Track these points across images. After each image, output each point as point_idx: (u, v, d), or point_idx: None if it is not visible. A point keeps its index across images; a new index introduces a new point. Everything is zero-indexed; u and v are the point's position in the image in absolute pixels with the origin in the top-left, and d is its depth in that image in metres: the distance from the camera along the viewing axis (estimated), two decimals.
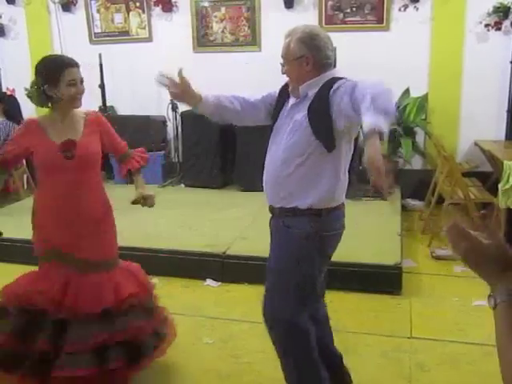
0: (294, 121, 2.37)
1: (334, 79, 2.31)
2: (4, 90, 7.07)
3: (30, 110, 6.94)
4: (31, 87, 2.70)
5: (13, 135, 2.85)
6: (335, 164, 2.36)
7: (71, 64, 2.68)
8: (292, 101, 2.46)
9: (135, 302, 2.84)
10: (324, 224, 2.40)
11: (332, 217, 2.43)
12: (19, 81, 7.32)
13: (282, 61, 2.43)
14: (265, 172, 2.54)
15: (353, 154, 2.46)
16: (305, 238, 2.40)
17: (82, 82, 2.72)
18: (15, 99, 6.71)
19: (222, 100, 2.65)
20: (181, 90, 2.59)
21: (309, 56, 2.32)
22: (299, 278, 2.45)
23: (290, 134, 2.39)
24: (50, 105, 2.73)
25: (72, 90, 2.65)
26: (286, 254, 2.47)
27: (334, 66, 2.43)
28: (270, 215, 2.57)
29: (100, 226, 2.85)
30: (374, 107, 1.94)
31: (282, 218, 2.47)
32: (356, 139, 2.46)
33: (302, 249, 2.42)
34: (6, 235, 4.96)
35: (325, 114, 2.26)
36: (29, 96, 2.74)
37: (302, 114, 2.35)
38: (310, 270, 2.45)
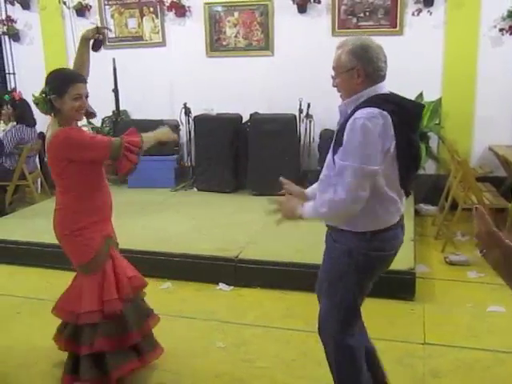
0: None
1: (368, 101, 2.27)
2: (17, 93, 7.11)
3: (39, 113, 7.03)
4: (40, 94, 2.82)
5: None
6: (375, 189, 2.29)
7: (79, 80, 2.84)
8: (339, 119, 2.43)
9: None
10: (370, 243, 2.36)
11: (380, 238, 2.37)
12: (33, 85, 7.40)
13: (332, 73, 2.39)
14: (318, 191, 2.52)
15: None
16: (347, 255, 2.38)
17: (86, 96, 2.85)
18: (26, 102, 6.76)
19: None
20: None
21: (359, 68, 2.28)
22: (341, 294, 2.43)
23: (327, 158, 2.39)
24: (52, 114, 2.87)
25: (76, 103, 2.78)
26: (333, 268, 2.47)
27: None
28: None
29: None
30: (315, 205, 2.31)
31: (331, 231, 2.48)
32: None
33: (345, 265, 2.39)
34: (21, 239, 4.97)
35: (338, 144, 2.28)
36: (35, 102, 2.88)
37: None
38: (350, 286, 2.43)
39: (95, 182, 2.93)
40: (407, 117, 2.31)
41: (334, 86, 2.41)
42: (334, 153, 2.30)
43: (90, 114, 3.18)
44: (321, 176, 2.46)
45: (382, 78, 2.35)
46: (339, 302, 2.45)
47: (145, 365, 3.08)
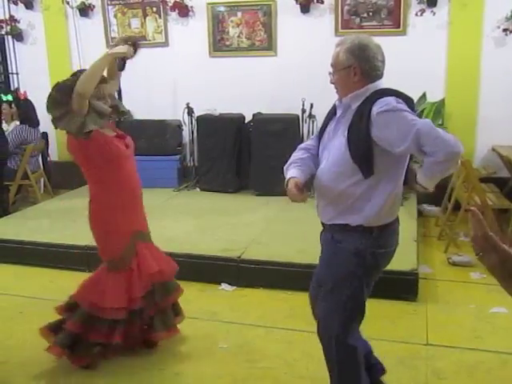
0: (339, 139, 2.35)
1: (377, 93, 2.29)
2: (21, 92, 7.13)
3: (42, 113, 7.03)
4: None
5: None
6: (384, 184, 2.32)
7: (101, 80, 2.99)
8: (338, 113, 2.44)
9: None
10: (376, 241, 2.37)
11: (384, 234, 2.39)
12: (37, 85, 7.43)
13: (331, 69, 2.41)
14: (316, 189, 2.50)
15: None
16: (354, 254, 2.37)
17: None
18: (30, 102, 6.77)
19: (311, 167, 2.51)
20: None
21: (356, 66, 2.31)
22: (347, 294, 2.43)
23: (335, 153, 2.37)
24: None
25: (99, 103, 2.98)
26: (335, 269, 2.45)
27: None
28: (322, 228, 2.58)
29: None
30: (433, 172, 2.27)
31: (331, 232, 2.46)
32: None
33: (351, 265, 2.39)
34: (24, 238, 4.98)
35: (364, 137, 2.25)
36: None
37: (343, 133, 2.33)
38: (358, 286, 2.43)
39: (118, 174, 3.02)
40: (411, 108, 2.34)
41: (331, 83, 2.44)
42: (357, 145, 2.27)
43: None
44: (325, 171, 2.41)
45: (378, 76, 2.37)
46: (345, 302, 2.44)
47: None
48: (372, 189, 2.32)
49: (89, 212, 3.10)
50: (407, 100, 2.33)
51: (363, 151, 2.26)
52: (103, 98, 2.98)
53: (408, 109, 2.24)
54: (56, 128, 3.04)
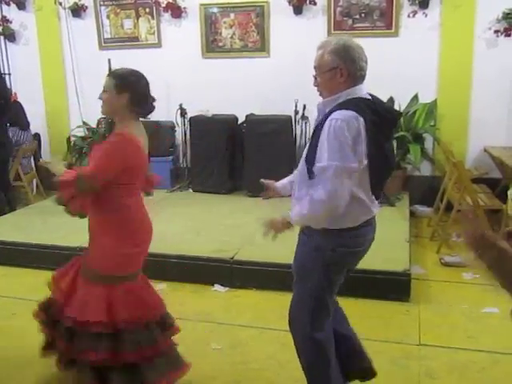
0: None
1: (345, 103, 2.30)
2: (11, 95, 7.09)
3: (34, 114, 7.03)
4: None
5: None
6: None
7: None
8: (316, 117, 2.48)
9: None
10: (336, 239, 2.41)
11: (346, 235, 2.41)
12: (29, 86, 7.41)
13: (314, 73, 2.42)
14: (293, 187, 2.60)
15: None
16: (315, 250, 2.44)
17: (105, 91, 2.77)
18: (20, 105, 6.73)
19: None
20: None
21: (343, 67, 2.32)
22: (309, 287, 2.49)
23: (303, 155, 2.45)
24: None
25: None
26: (301, 262, 2.55)
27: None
28: None
29: None
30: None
31: (303, 228, 2.54)
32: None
33: (312, 259, 2.46)
34: (16, 239, 4.96)
35: (314, 142, 2.32)
36: None
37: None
38: (319, 281, 2.47)
39: (111, 203, 2.77)
40: (382, 124, 2.35)
41: (314, 86, 2.44)
42: (310, 149, 2.34)
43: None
44: (298, 169, 2.53)
45: (362, 78, 2.39)
46: (308, 295, 2.51)
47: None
48: None
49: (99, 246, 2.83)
50: (379, 117, 2.31)
51: (311, 155, 2.31)
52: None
53: (347, 138, 2.21)
54: None
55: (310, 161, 2.32)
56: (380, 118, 2.32)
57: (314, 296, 2.49)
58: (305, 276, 2.52)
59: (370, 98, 2.38)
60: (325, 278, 2.47)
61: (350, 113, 2.23)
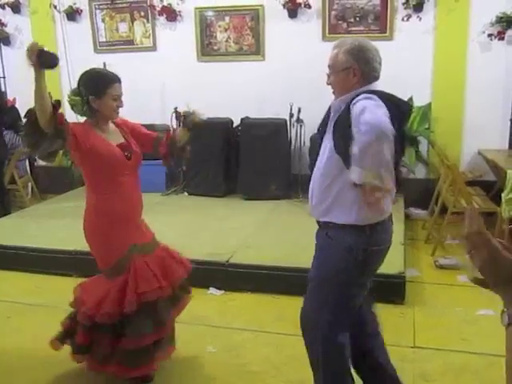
0: (328, 139, 2.40)
1: (363, 95, 2.29)
2: (9, 99, 7.08)
3: None
4: (74, 96, 2.84)
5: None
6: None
7: (117, 80, 2.89)
8: (331, 115, 2.46)
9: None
10: (368, 238, 2.38)
11: (377, 231, 2.40)
12: (24, 90, 7.39)
13: (327, 71, 2.43)
14: (310, 187, 2.54)
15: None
16: (347, 251, 2.39)
17: (121, 96, 2.88)
18: (16, 109, 6.73)
19: None
20: None
21: (356, 67, 2.34)
22: (337, 291, 2.44)
23: (325, 151, 2.42)
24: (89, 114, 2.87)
25: (114, 103, 2.84)
26: (327, 265, 2.47)
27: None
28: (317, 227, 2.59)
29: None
30: (360, 162, 2.13)
31: (326, 229, 2.48)
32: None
33: (343, 261, 2.40)
34: (9, 243, 4.95)
35: (344, 129, 2.26)
36: (71, 104, 2.88)
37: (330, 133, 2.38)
38: (348, 284, 2.44)
39: (121, 186, 2.90)
40: (399, 113, 2.35)
41: (327, 84, 2.46)
42: (338, 140, 2.30)
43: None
44: (316, 169, 2.48)
45: (375, 78, 2.41)
46: (334, 299, 2.45)
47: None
48: (346, 188, 2.32)
49: (85, 221, 2.94)
50: (396, 106, 2.33)
51: (344, 141, 2.25)
52: (118, 98, 2.86)
53: (378, 108, 2.19)
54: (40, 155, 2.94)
55: (342, 150, 2.25)
56: (397, 106, 2.33)
57: (341, 300, 2.45)
58: (330, 280, 2.44)
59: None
60: (356, 281, 2.45)
61: (372, 100, 2.24)
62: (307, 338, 2.57)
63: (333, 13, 6.35)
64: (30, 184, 7.11)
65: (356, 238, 2.38)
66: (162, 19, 6.92)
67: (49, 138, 2.69)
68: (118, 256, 2.90)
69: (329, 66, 2.43)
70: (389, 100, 2.31)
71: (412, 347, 3.45)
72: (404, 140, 2.54)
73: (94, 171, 2.87)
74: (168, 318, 3.03)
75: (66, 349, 3.03)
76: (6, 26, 7.42)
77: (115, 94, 2.83)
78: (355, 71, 2.35)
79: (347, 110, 2.27)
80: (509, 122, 6.12)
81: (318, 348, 2.50)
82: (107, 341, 2.88)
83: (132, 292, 2.86)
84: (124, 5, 7.02)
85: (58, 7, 7.12)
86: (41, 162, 7.41)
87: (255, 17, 6.63)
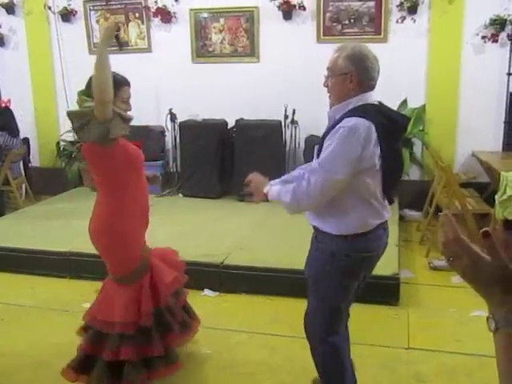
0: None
1: (354, 111, 2.32)
2: (4, 100, 7.05)
3: (23, 118, 7.01)
4: (84, 96, 2.80)
5: None
6: (345, 197, 2.36)
7: (127, 83, 2.92)
8: (327, 124, 2.49)
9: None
10: (351, 245, 2.41)
11: (359, 241, 2.42)
12: (18, 91, 7.39)
13: (326, 73, 2.44)
14: None
15: None
16: (330, 255, 2.44)
17: (129, 99, 2.91)
18: (10, 111, 6.70)
19: None
20: None
21: (354, 74, 2.34)
22: (325, 293, 2.51)
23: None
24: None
25: (124, 106, 2.86)
26: (315, 267, 2.55)
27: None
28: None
29: None
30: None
31: (315, 232, 2.55)
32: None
33: (328, 265, 2.46)
34: (3, 244, 4.93)
35: (323, 147, 2.33)
36: (80, 103, 2.84)
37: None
38: (334, 286, 2.48)
39: (139, 182, 2.90)
40: (394, 128, 2.37)
41: (324, 86, 2.47)
42: (318, 153, 2.37)
43: None
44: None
45: (372, 87, 2.42)
46: (322, 300, 2.53)
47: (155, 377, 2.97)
48: (342, 199, 2.36)
49: (95, 223, 2.87)
50: (393, 122, 2.36)
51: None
52: (127, 101, 2.88)
53: (351, 146, 2.24)
54: (80, 140, 2.87)
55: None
56: (390, 121, 2.35)
57: (328, 302, 2.52)
58: (319, 282, 2.52)
59: (377, 103, 2.41)
60: (339, 284, 2.49)
61: (360, 120, 2.25)
62: (309, 338, 2.64)
63: (327, 15, 6.36)
64: (24, 185, 7.08)
65: (340, 243, 2.42)
66: (156, 20, 6.91)
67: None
68: (138, 258, 2.89)
69: (328, 69, 2.44)
70: (385, 116, 2.34)
71: (406, 348, 3.46)
72: (400, 156, 2.59)
73: (118, 169, 2.79)
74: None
75: (64, 349, 3.02)
76: (0, 27, 7.39)
77: (125, 97, 2.85)
78: (352, 78, 2.35)
79: (337, 123, 2.30)
80: (502, 124, 6.14)
81: (318, 349, 2.60)
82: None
83: (163, 285, 2.93)
84: (119, 6, 7.01)
85: (52, 8, 7.10)
86: (35, 164, 7.41)
87: (250, 18, 6.63)
